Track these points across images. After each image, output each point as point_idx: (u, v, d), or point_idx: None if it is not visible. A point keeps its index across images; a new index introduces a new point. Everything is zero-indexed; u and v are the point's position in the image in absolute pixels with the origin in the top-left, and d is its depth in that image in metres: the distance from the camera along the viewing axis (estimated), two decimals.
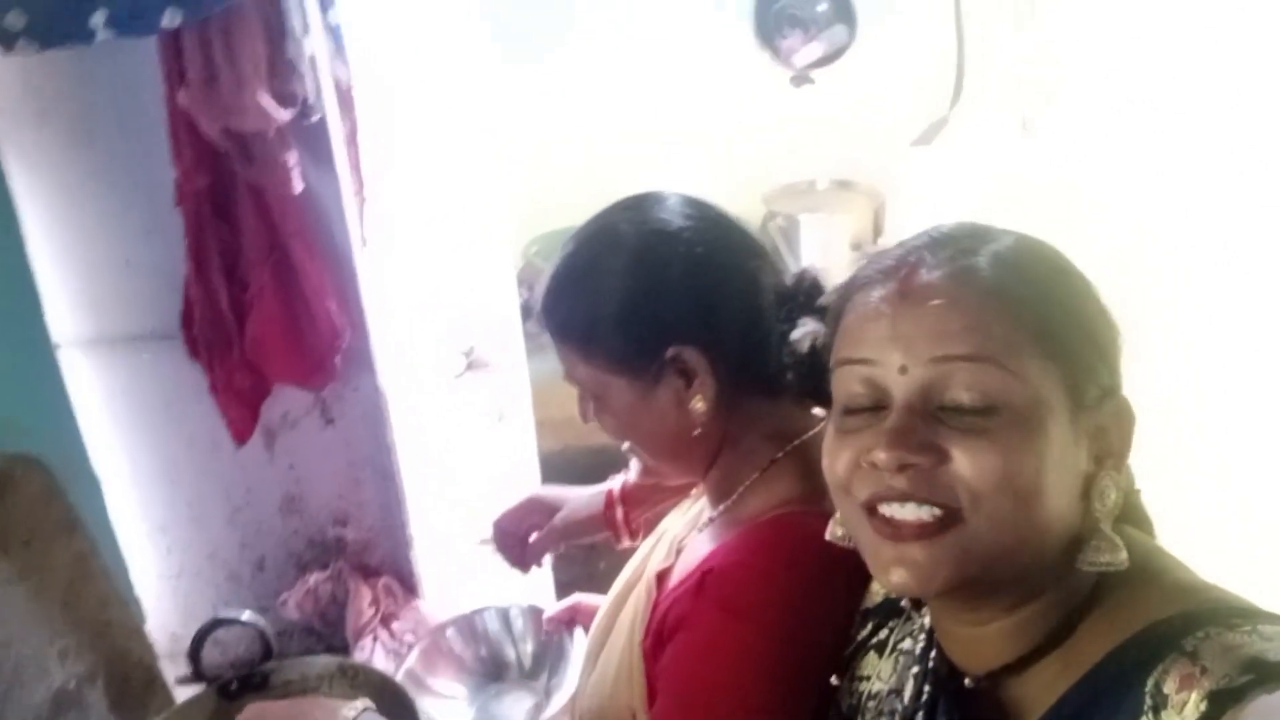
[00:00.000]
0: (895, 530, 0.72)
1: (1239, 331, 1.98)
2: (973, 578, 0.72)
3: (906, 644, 0.88)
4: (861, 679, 0.91)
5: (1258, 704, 0.59)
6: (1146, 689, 0.65)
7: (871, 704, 0.88)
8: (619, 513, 1.41)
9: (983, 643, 0.77)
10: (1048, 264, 0.76)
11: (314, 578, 2.20)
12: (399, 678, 1.38)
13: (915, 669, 0.83)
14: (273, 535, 2.22)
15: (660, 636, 1.05)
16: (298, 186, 1.80)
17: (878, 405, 0.74)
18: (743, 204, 3.43)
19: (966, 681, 0.78)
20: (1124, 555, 0.71)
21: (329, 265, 1.92)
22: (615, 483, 1.44)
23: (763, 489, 1.07)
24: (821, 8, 3.27)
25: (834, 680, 0.93)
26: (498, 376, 2.72)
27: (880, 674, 0.89)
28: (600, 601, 1.29)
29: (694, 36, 3.31)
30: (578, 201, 1.16)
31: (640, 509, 1.42)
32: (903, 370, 0.72)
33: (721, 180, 2.73)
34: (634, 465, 1.19)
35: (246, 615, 1.25)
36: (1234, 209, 2.00)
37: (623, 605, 1.19)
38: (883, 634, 0.92)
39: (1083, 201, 2.39)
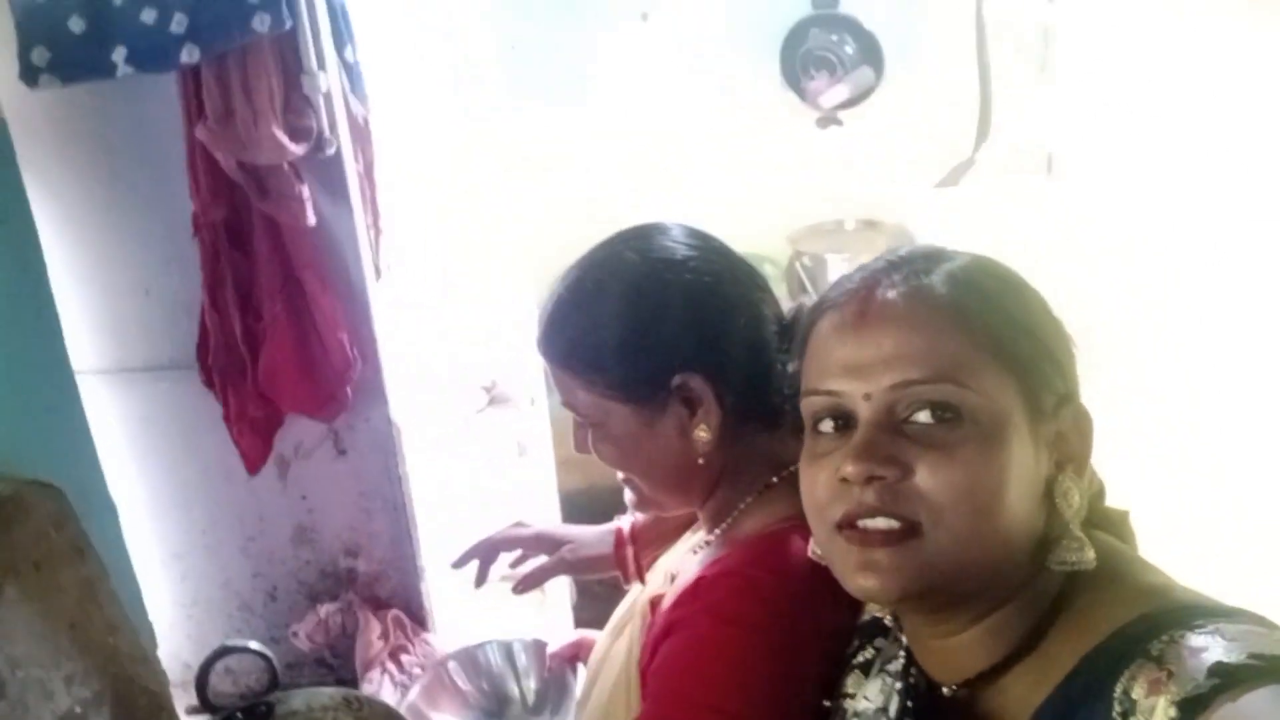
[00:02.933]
0: (863, 537, 0.74)
1: (1264, 363, 1.97)
2: (937, 586, 0.74)
3: (893, 665, 0.88)
4: (846, 696, 0.91)
5: (1224, 711, 0.60)
6: (1115, 695, 0.65)
7: None
8: (629, 552, 1.39)
9: (956, 652, 0.78)
10: (999, 279, 0.78)
11: (324, 609, 2.20)
12: (402, 711, 1.37)
13: (899, 685, 0.84)
14: (285, 565, 2.23)
15: (655, 650, 1.04)
16: (311, 219, 1.83)
17: (847, 426, 0.77)
18: (769, 244, 3.47)
19: (945, 690, 0.79)
20: (1091, 554, 0.72)
21: (342, 297, 1.95)
22: (624, 522, 1.41)
23: (758, 511, 1.07)
24: (848, 49, 3.28)
25: (825, 702, 0.92)
26: (519, 412, 2.73)
27: (866, 694, 0.89)
28: None
29: (721, 77, 3.33)
30: (601, 239, 1.16)
31: (650, 549, 1.38)
32: (866, 398, 0.75)
33: (748, 220, 2.74)
34: (629, 498, 1.17)
35: (254, 644, 1.24)
36: (1259, 247, 1.98)
37: (618, 637, 1.18)
38: (868, 653, 0.92)
39: (1106, 241, 2.38)
